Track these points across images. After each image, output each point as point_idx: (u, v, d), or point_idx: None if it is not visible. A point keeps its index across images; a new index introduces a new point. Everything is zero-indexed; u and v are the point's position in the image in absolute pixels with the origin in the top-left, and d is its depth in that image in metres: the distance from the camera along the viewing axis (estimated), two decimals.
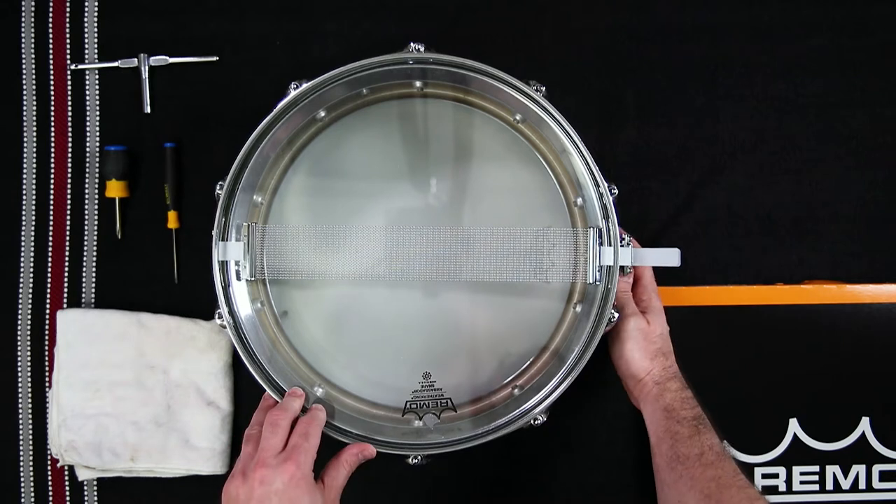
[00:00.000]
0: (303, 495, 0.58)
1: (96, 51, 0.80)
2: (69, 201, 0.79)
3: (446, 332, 0.72)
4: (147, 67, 0.79)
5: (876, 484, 0.76)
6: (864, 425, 0.75)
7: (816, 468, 0.76)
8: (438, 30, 0.79)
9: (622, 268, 0.68)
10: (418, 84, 0.70)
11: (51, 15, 0.79)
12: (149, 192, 0.79)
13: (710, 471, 0.61)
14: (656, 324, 0.69)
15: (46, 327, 0.79)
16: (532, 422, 0.68)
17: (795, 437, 0.76)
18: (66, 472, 0.79)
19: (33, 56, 0.79)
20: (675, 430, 0.64)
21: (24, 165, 0.79)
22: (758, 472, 0.76)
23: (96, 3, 0.79)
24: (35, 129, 0.79)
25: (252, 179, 0.70)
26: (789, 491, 0.76)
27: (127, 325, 0.76)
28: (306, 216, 0.73)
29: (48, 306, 0.79)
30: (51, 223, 0.79)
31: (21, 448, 0.79)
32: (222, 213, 0.69)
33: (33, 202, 0.79)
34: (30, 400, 0.79)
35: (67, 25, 0.79)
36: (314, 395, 0.70)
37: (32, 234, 0.79)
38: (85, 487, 0.79)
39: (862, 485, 0.76)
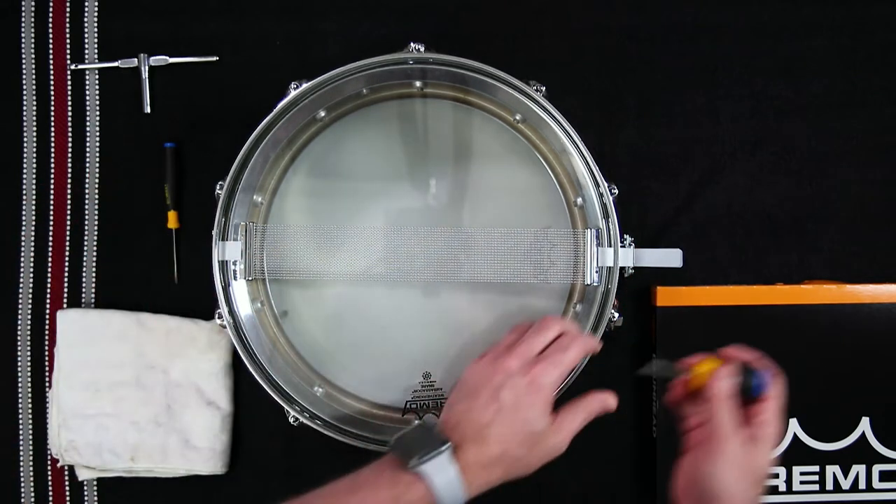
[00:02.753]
0: (534, 404, 0.55)
1: (96, 51, 0.80)
2: (69, 201, 0.79)
3: (446, 332, 0.72)
4: (147, 67, 0.78)
5: (876, 484, 0.76)
6: (864, 425, 0.75)
7: (816, 468, 0.76)
8: (438, 30, 0.79)
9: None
10: (418, 84, 0.70)
11: (51, 15, 0.79)
12: (149, 192, 0.79)
13: None
14: (763, 455, 0.56)
15: (46, 327, 0.79)
16: None
17: (795, 437, 0.76)
18: (66, 472, 0.79)
19: (33, 56, 0.79)
20: None
21: (24, 165, 0.79)
22: None
23: (96, 3, 0.79)
24: (35, 129, 0.79)
25: (252, 179, 0.70)
26: (789, 491, 0.76)
27: (127, 325, 0.76)
28: (306, 216, 0.73)
29: (48, 306, 0.79)
30: (51, 223, 0.79)
31: (21, 448, 0.79)
32: (222, 213, 0.69)
33: (33, 202, 0.79)
34: (30, 400, 0.79)
35: (67, 25, 0.79)
36: (313, 394, 0.70)
37: (32, 234, 0.79)
38: (85, 487, 0.79)
39: (862, 485, 0.76)
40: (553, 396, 0.57)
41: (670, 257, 0.69)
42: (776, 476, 0.76)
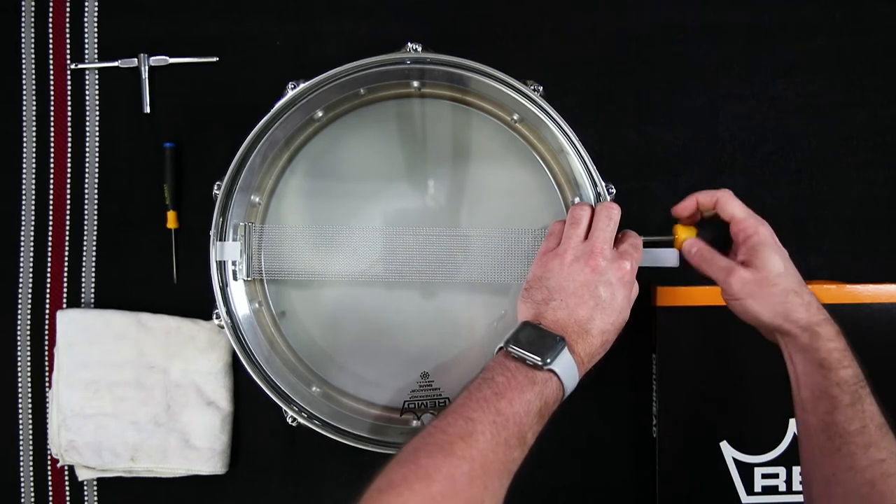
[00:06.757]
0: (625, 295, 0.61)
1: (96, 51, 0.80)
2: (69, 201, 0.79)
3: (444, 333, 0.72)
4: (147, 67, 0.79)
5: None
6: None
7: None
8: (437, 30, 0.79)
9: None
10: (416, 84, 0.70)
11: (51, 15, 0.80)
12: (148, 192, 0.79)
13: (874, 452, 0.57)
14: (766, 264, 0.60)
15: (46, 327, 0.79)
16: None
17: (795, 437, 0.75)
18: (66, 472, 0.79)
19: (33, 56, 0.80)
20: (833, 393, 0.59)
21: (24, 165, 0.79)
22: (758, 472, 0.76)
23: (96, 3, 0.80)
24: (35, 129, 0.80)
25: (250, 180, 0.70)
26: (789, 491, 0.76)
27: (127, 325, 0.76)
28: (304, 216, 0.73)
29: (48, 306, 0.79)
30: (51, 223, 0.79)
31: (21, 448, 0.79)
32: (220, 213, 0.69)
33: (33, 202, 0.79)
34: (30, 400, 0.79)
35: (67, 25, 0.80)
36: (311, 394, 0.70)
37: (32, 234, 0.79)
38: (85, 487, 0.79)
39: None
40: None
41: (668, 257, 0.68)
42: (776, 476, 0.76)
